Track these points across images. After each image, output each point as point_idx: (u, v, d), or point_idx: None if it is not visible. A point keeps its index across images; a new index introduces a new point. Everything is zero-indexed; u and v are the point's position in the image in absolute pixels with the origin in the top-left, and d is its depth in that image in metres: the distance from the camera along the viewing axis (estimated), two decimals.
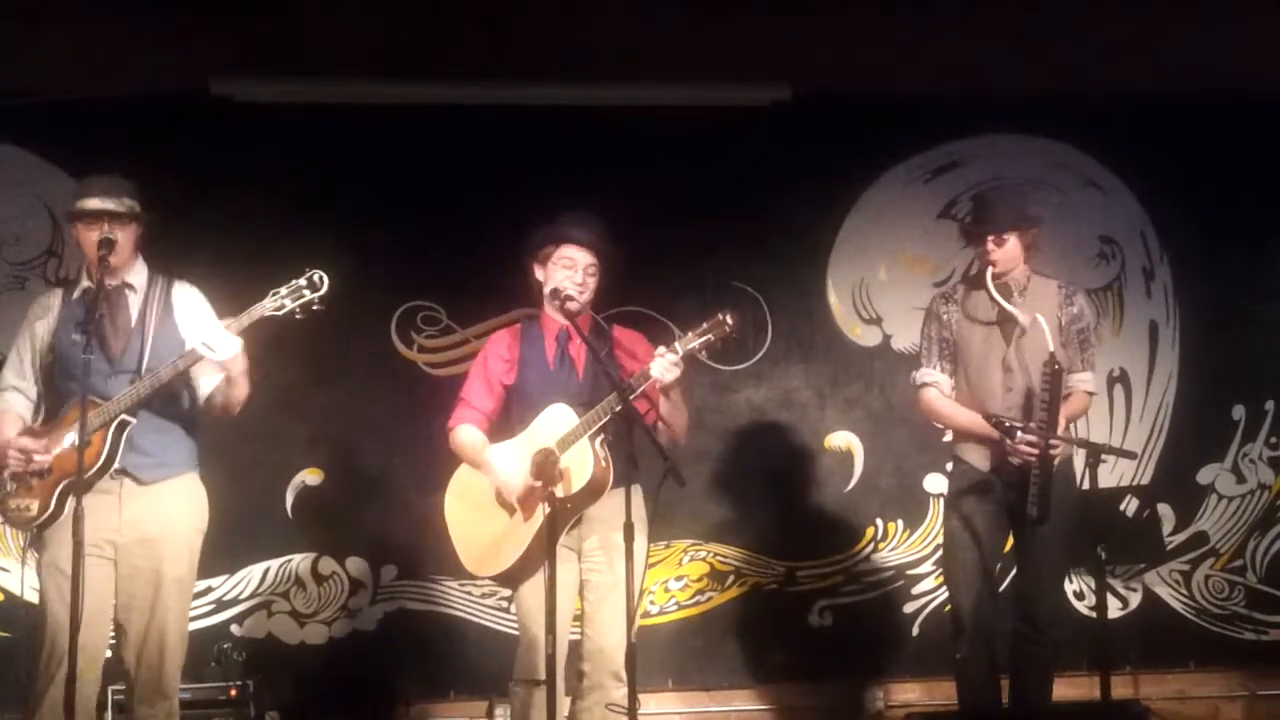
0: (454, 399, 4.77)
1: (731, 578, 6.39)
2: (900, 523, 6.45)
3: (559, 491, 4.34)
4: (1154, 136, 6.55)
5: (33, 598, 4.48)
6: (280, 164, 6.21)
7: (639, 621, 4.33)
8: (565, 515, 4.40)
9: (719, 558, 6.39)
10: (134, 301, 4.54)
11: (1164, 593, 6.51)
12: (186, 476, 4.55)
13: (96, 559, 4.31)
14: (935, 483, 6.33)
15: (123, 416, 4.32)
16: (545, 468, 4.34)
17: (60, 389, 4.48)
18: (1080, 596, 6.28)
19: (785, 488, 6.44)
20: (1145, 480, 6.48)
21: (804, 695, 6.29)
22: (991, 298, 4.86)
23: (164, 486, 4.46)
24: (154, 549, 4.42)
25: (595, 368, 4.52)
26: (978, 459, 4.91)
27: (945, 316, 5.02)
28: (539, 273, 4.68)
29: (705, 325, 4.34)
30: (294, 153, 6.23)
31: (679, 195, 6.29)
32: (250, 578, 6.16)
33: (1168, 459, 6.57)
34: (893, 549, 6.44)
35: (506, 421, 4.69)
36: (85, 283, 4.56)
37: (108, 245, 4.37)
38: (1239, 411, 6.59)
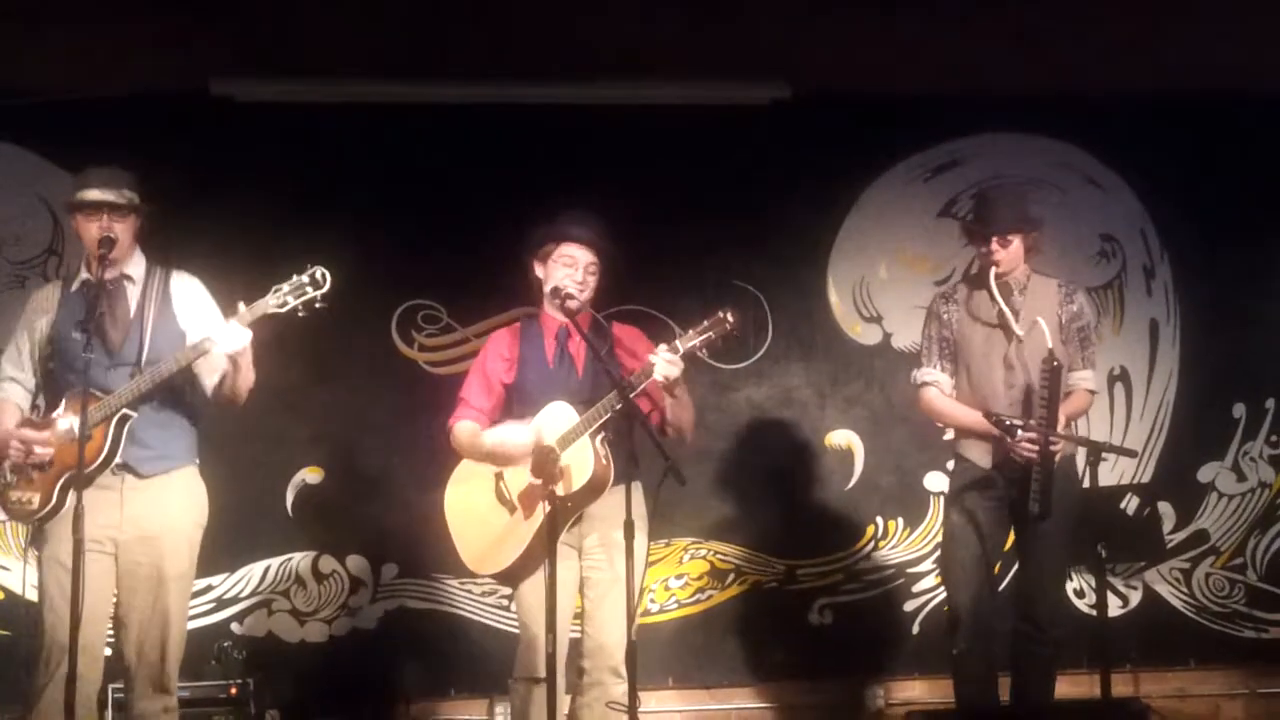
0: (454, 398, 4.77)
1: (732, 576, 6.39)
2: (900, 521, 6.46)
3: (559, 489, 4.34)
4: (1154, 135, 6.55)
5: (33, 595, 4.48)
6: (280, 163, 6.21)
7: (639, 619, 4.32)
8: (566, 513, 4.40)
9: (719, 556, 6.39)
10: (132, 293, 4.55)
11: (1164, 591, 6.52)
12: (186, 470, 4.55)
13: (97, 555, 4.31)
14: (935, 481, 6.33)
15: (124, 411, 4.32)
16: (545, 465, 4.35)
17: (59, 381, 4.48)
18: (1081, 594, 6.28)
19: (786, 486, 6.45)
20: (1146, 478, 6.48)
21: (804, 693, 6.30)
22: (993, 299, 4.86)
23: (164, 480, 4.46)
24: (154, 546, 4.42)
25: (595, 365, 4.52)
26: (979, 456, 4.92)
27: (946, 316, 5.03)
28: (539, 271, 4.68)
29: (706, 323, 4.35)
30: (294, 152, 6.23)
31: (679, 194, 6.29)
32: (250, 576, 6.16)
33: (1168, 457, 6.57)
34: (893, 547, 6.44)
35: (506, 420, 4.69)
36: (84, 274, 4.56)
37: (108, 244, 4.38)
38: (1239, 410, 6.59)
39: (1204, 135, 6.57)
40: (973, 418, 4.88)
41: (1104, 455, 4.76)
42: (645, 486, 4.46)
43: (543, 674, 4.29)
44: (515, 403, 4.69)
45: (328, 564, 6.21)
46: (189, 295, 4.60)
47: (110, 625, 4.48)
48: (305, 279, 4.34)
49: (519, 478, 4.50)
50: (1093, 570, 4.96)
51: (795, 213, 6.45)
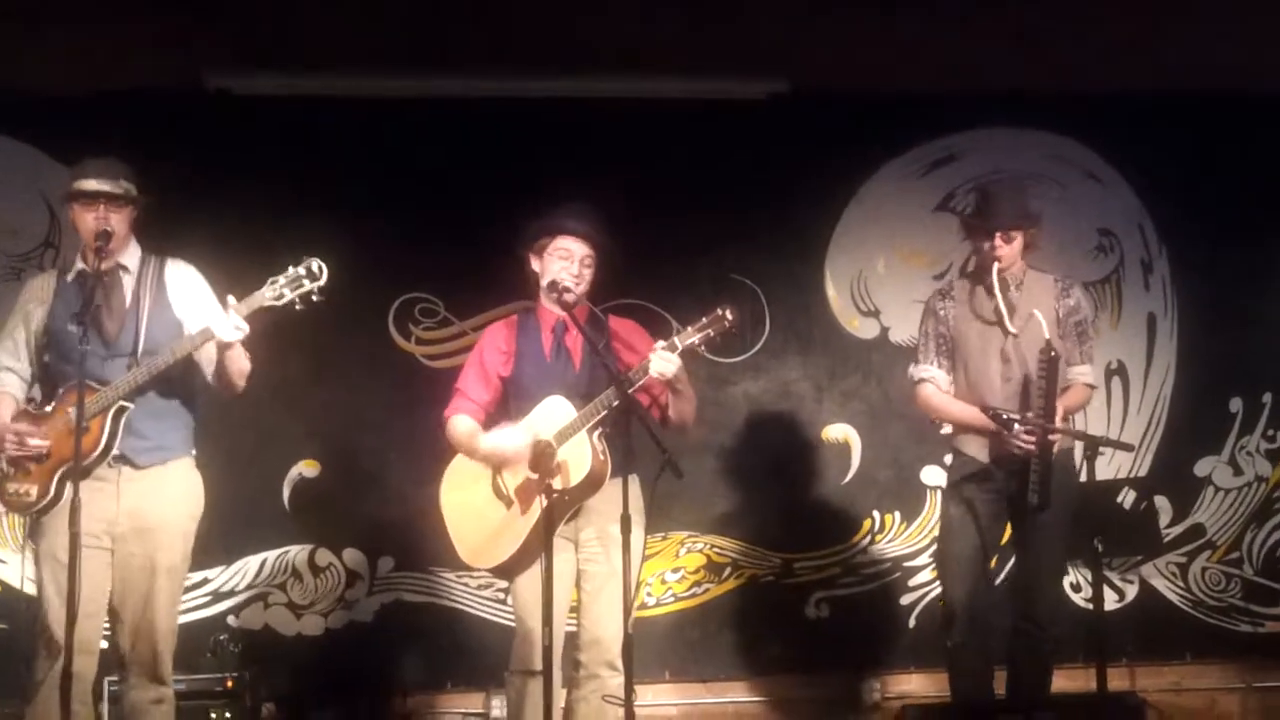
0: (450, 391, 4.77)
1: (728, 569, 6.40)
2: (897, 515, 6.46)
3: (556, 484, 4.34)
4: (1153, 133, 6.54)
5: (31, 589, 4.49)
6: (278, 157, 6.20)
7: (635, 613, 4.32)
8: (563, 508, 4.40)
9: (716, 549, 6.39)
10: (128, 283, 4.55)
11: (1161, 585, 6.52)
12: (183, 461, 4.55)
13: (94, 550, 4.31)
14: (933, 475, 6.34)
15: (121, 402, 4.32)
16: (542, 460, 4.35)
17: (55, 371, 4.48)
18: (1077, 588, 6.27)
19: (783, 480, 6.45)
20: (1142, 472, 6.49)
21: (801, 687, 6.30)
22: (992, 295, 4.85)
23: (160, 472, 4.46)
24: (150, 538, 4.43)
25: (592, 360, 4.52)
26: (976, 451, 4.92)
27: (942, 312, 5.03)
28: (535, 265, 4.67)
29: (705, 320, 4.34)
30: (292, 146, 6.22)
31: (677, 188, 6.28)
32: (247, 569, 6.16)
33: (1165, 451, 6.57)
34: (890, 541, 6.45)
35: (503, 413, 4.69)
36: (80, 265, 4.56)
37: (105, 237, 4.38)
38: (1236, 404, 6.59)
39: (1203, 134, 6.56)
40: (970, 413, 4.88)
41: (1101, 449, 4.76)
42: (642, 480, 4.47)
43: (539, 667, 4.30)
44: (512, 396, 4.68)
45: (324, 557, 6.21)
46: (184, 284, 4.60)
47: (105, 619, 4.48)
48: (301, 271, 4.33)
49: (516, 472, 4.50)
50: (1089, 564, 4.96)
51: (793, 207, 6.44)
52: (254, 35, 5.77)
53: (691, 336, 4.33)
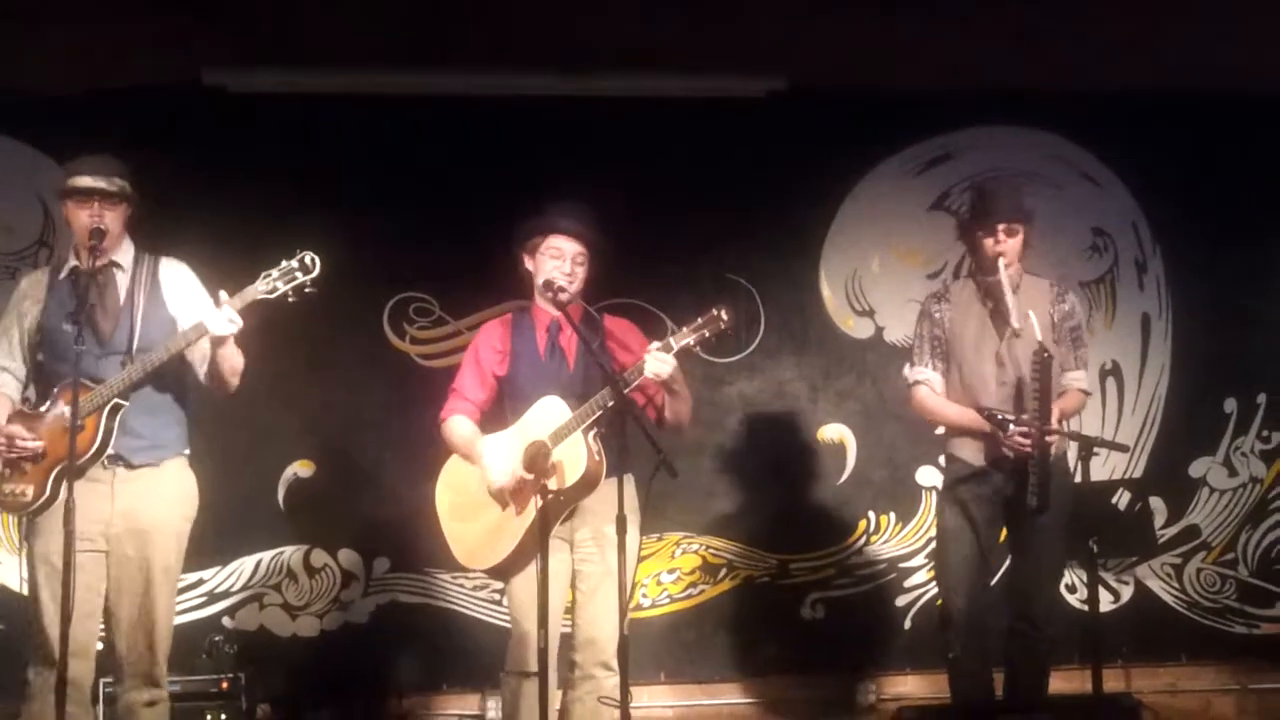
0: (446, 390, 4.76)
1: (724, 570, 6.39)
2: (892, 515, 6.46)
3: (552, 484, 4.33)
4: (1150, 133, 6.55)
5: (27, 590, 4.47)
6: (275, 155, 6.20)
7: (631, 614, 4.31)
8: (558, 508, 4.39)
9: (711, 550, 6.39)
10: (122, 280, 4.54)
11: (1156, 586, 6.53)
12: (177, 460, 4.54)
13: (88, 552, 4.31)
14: (927, 475, 6.34)
15: (116, 400, 4.32)
16: (538, 461, 4.34)
17: (49, 371, 4.47)
18: (1072, 590, 6.27)
19: (778, 480, 6.45)
20: (1137, 474, 6.50)
21: (796, 688, 6.29)
22: (999, 291, 4.84)
23: (155, 472, 4.46)
24: (144, 539, 4.42)
25: (587, 359, 4.51)
26: (971, 454, 4.91)
27: (938, 315, 5.02)
28: (528, 264, 4.66)
29: (700, 320, 4.33)
30: (288, 143, 6.22)
31: (673, 187, 6.29)
32: (242, 570, 6.15)
33: (1160, 452, 6.58)
34: (885, 542, 6.45)
35: (498, 413, 4.68)
36: (72, 262, 4.54)
37: (99, 235, 4.37)
38: (1231, 405, 6.60)
39: (1199, 133, 6.57)
40: (965, 416, 4.88)
41: (1096, 450, 4.76)
42: (637, 480, 4.47)
43: (534, 668, 4.29)
44: (507, 396, 4.67)
45: (319, 558, 6.20)
46: (178, 281, 4.60)
47: (100, 621, 4.47)
48: (295, 264, 4.33)
49: (512, 472, 4.49)
50: (1084, 565, 4.97)
51: (787, 206, 6.45)
52: (253, 33, 5.77)
53: (687, 337, 4.32)
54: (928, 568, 6.25)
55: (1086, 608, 4.97)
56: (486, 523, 4.53)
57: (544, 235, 4.60)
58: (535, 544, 4.27)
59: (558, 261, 4.56)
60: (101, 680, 4.91)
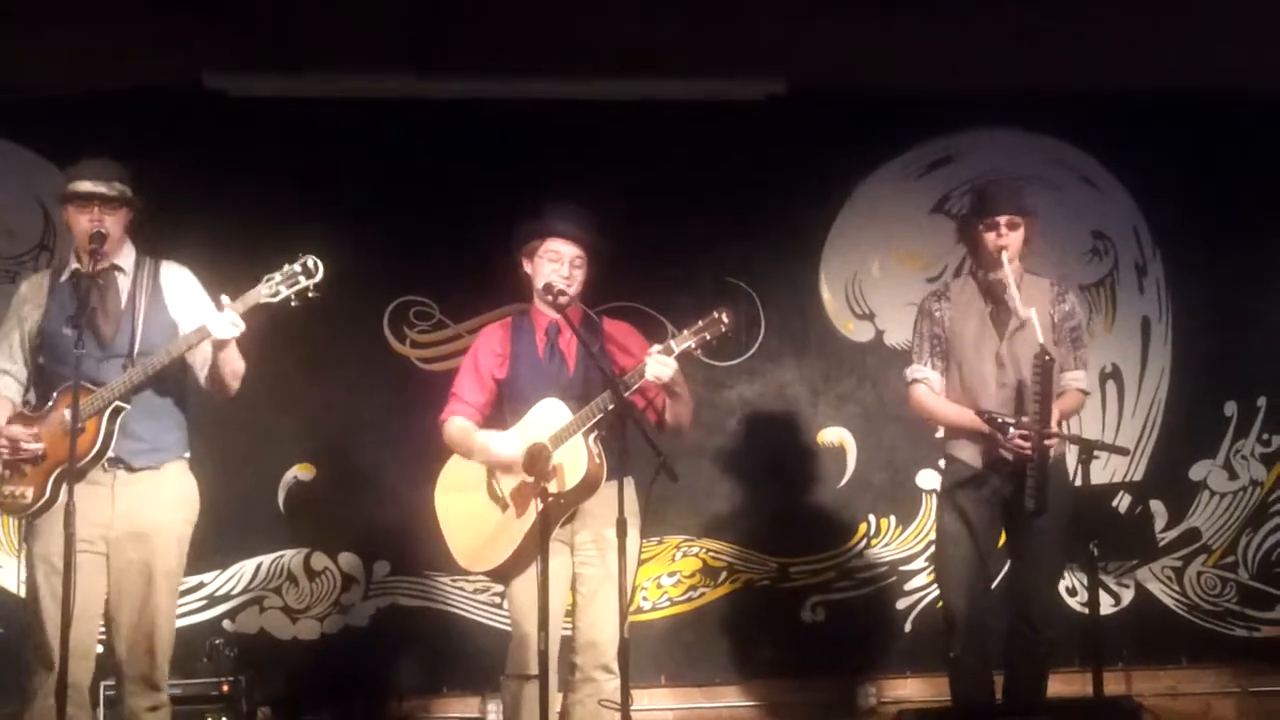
0: (446, 394, 4.76)
1: (724, 574, 6.39)
2: (893, 519, 6.46)
3: (552, 487, 4.33)
4: (1150, 134, 6.55)
5: (25, 592, 4.47)
6: (275, 158, 6.20)
7: (631, 617, 4.31)
8: (558, 511, 4.39)
9: (711, 554, 6.39)
10: (123, 284, 4.54)
11: (1156, 589, 6.53)
12: (177, 463, 4.55)
13: (88, 555, 4.31)
14: (928, 479, 6.34)
15: (117, 403, 4.31)
16: (538, 463, 4.34)
17: (50, 373, 4.47)
18: (1073, 593, 6.29)
19: (778, 483, 6.44)
20: (1138, 477, 6.49)
21: (796, 691, 6.29)
22: (1002, 288, 4.83)
23: (156, 475, 4.46)
24: (145, 543, 4.42)
25: (586, 362, 4.51)
26: (970, 456, 4.91)
27: (938, 313, 5.01)
28: (527, 268, 4.66)
29: (701, 324, 4.33)
30: (288, 147, 6.21)
31: (673, 190, 6.29)
32: (242, 573, 6.15)
33: (1160, 455, 6.58)
34: (885, 545, 6.45)
35: (498, 415, 4.68)
36: (73, 264, 4.54)
37: (100, 239, 4.37)
38: (1231, 408, 6.60)
39: (1200, 134, 6.57)
40: (964, 416, 4.87)
41: (1096, 453, 4.75)
42: (638, 483, 4.47)
43: (534, 671, 4.29)
44: (506, 399, 4.67)
45: (319, 561, 6.20)
46: (180, 285, 4.60)
47: (100, 623, 4.47)
48: (297, 268, 4.34)
49: (512, 475, 4.49)
50: (1085, 568, 4.96)
51: (788, 209, 6.45)
52: (253, 36, 5.77)
53: (687, 340, 4.32)
54: (928, 571, 6.25)
55: (1087, 610, 4.96)
56: (486, 525, 4.53)
57: (542, 239, 4.61)
58: (535, 546, 4.27)
59: (556, 264, 4.56)
60: (102, 683, 4.93)
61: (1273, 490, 6.62)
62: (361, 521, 6.18)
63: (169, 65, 5.86)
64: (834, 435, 6.48)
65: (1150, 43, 5.88)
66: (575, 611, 4.61)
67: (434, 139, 6.30)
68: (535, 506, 4.30)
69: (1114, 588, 6.47)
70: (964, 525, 4.87)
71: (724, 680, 6.35)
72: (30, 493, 4.35)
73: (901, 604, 6.42)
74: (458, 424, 4.67)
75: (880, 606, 6.42)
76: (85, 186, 4.44)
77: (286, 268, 4.34)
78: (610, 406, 4.29)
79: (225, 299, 4.29)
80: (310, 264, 4.34)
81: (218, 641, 5.77)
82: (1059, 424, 4.79)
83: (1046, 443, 4.66)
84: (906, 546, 6.44)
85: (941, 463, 5.19)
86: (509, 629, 4.69)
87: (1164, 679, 6.43)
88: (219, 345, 4.33)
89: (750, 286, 6.42)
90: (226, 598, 6.13)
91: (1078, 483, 4.81)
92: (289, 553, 6.20)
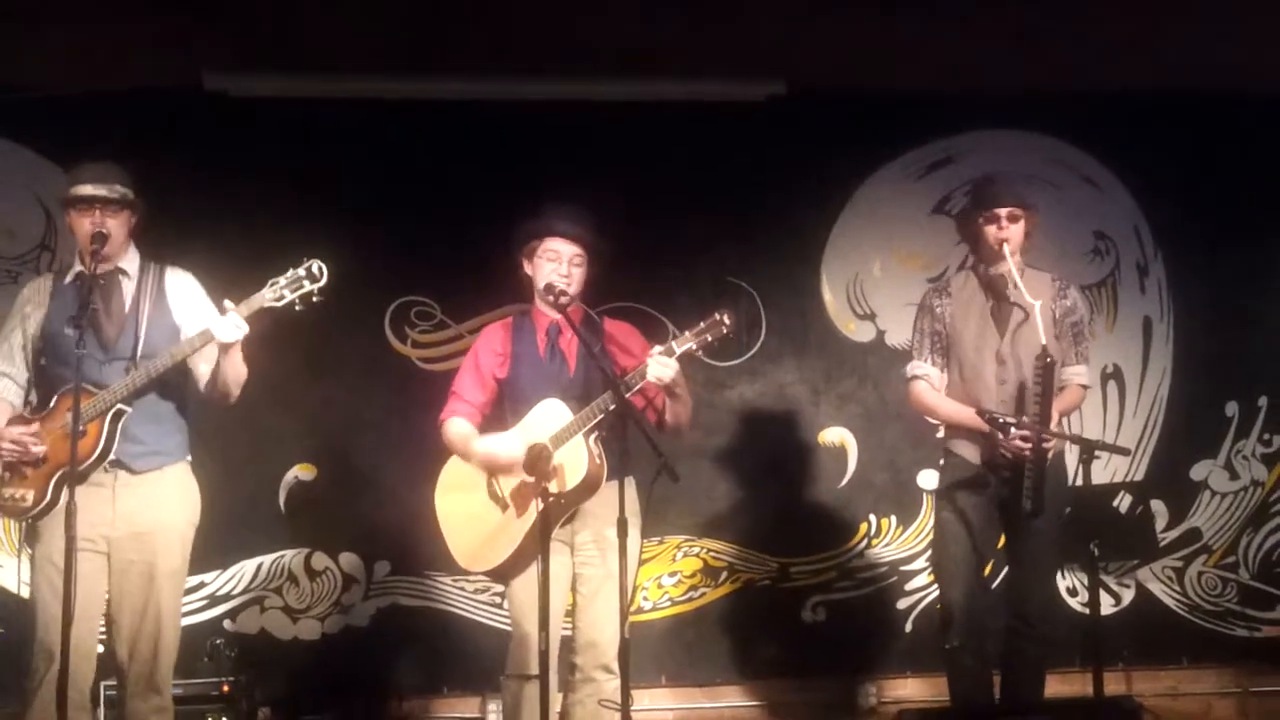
0: (447, 394, 4.76)
1: (725, 574, 6.39)
2: (894, 519, 6.46)
3: (552, 487, 4.33)
4: (1149, 134, 6.55)
5: (27, 593, 4.47)
6: (276, 159, 6.20)
7: (631, 617, 4.31)
8: (559, 511, 4.39)
9: (712, 554, 6.39)
10: (128, 288, 4.54)
11: (1157, 589, 6.53)
12: (179, 466, 4.54)
13: (89, 554, 4.30)
14: (929, 479, 6.34)
15: (119, 406, 4.31)
16: (539, 463, 4.34)
17: (52, 376, 4.46)
18: (1073, 593, 6.29)
19: (779, 483, 6.45)
20: (1139, 476, 6.50)
21: (797, 691, 6.30)
22: (1006, 280, 4.82)
23: (157, 477, 4.45)
24: (147, 543, 4.41)
25: (587, 362, 4.51)
26: (969, 453, 4.90)
27: (939, 309, 5.00)
28: (527, 268, 4.66)
29: (702, 325, 4.33)
30: (289, 148, 6.22)
31: (673, 191, 6.29)
32: (243, 573, 6.15)
33: (1161, 455, 6.58)
34: (886, 545, 6.45)
35: (498, 415, 4.68)
36: (77, 267, 4.54)
37: (100, 239, 4.37)
38: (1232, 408, 6.60)
39: (1201, 134, 6.57)
40: (963, 413, 4.86)
41: (1097, 453, 4.75)
42: (638, 483, 4.47)
43: (535, 671, 4.29)
44: (507, 398, 4.67)
45: (320, 561, 6.20)
46: (184, 291, 4.60)
47: (102, 623, 4.47)
48: (302, 273, 4.33)
49: (512, 475, 4.49)
50: (1085, 568, 4.96)
51: (789, 210, 6.45)
52: (254, 36, 5.77)
53: (689, 341, 4.32)
54: (928, 571, 6.25)
55: (1088, 610, 4.96)
56: (486, 525, 4.53)
57: (540, 239, 4.60)
58: (535, 546, 4.27)
59: (555, 264, 4.56)
60: (103, 683, 4.93)
61: (1273, 490, 6.63)
62: (362, 521, 6.18)
63: (169, 65, 5.86)
64: (835, 435, 6.48)
65: (1150, 43, 5.88)
66: (575, 611, 4.61)
67: (434, 139, 6.30)
68: (536, 506, 4.30)
69: (1115, 588, 6.47)
70: (962, 522, 4.87)
71: (725, 680, 6.35)
72: (31, 495, 4.35)
73: (902, 604, 6.42)
74: (457, 426, 4.66)
75: (881, 606, 6.43)
76: (86, 190, 4.44)
77: (291, 272, 4.33)
78: (611, 407, 4.29)
79: (229, 303, 4.29)
80: (315, 269, 4.33)
81: (218, 641, 5.77)
82: (1059, 422, 4.78)
83: (1045, 445, 4.66)
84: (907, 547, 6.44)
85: (941, 460, 5.18)
86: (509, 629, 4.68)
87: (1164, 679, 6.44)
88: (222, 349, 4.33)
89: (751, 287, 6.43)
90: (227, 598, 6.13)
91: (1079, 482, 4.81)
92: (290, 553, 6.20)
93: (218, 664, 5.67)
